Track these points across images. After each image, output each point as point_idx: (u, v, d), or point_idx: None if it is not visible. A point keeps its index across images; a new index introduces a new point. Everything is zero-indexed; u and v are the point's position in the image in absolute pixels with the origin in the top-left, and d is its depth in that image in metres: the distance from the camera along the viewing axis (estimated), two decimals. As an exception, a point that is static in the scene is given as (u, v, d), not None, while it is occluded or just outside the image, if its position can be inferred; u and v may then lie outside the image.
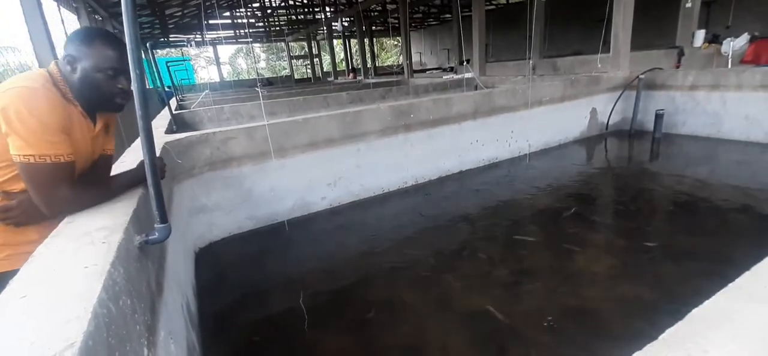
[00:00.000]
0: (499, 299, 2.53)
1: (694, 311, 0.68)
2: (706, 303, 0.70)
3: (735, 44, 6.22)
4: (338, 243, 3.65)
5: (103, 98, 1.48)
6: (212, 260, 3.48)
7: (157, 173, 1.33)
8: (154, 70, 5.80)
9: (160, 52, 24.86)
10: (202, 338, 2.40)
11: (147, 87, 1.39)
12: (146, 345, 1.25)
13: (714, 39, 7.39)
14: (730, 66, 6.08)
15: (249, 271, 3.29)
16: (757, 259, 0.87)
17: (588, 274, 2.71)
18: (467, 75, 8.68)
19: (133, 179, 1.72)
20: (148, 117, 1.26)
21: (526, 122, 5.66)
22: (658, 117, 5.95)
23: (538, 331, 2.20)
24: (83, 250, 1.15)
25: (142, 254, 1.47)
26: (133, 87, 1.19)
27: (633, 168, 5.08)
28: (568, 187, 4.48)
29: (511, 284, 2.69)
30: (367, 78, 16.64)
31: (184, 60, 21.15)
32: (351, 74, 20.52)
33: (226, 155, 3.73)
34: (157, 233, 1.40)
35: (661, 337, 0.63)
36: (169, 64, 13.00)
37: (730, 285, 0.74)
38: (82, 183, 1.44)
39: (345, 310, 2.62)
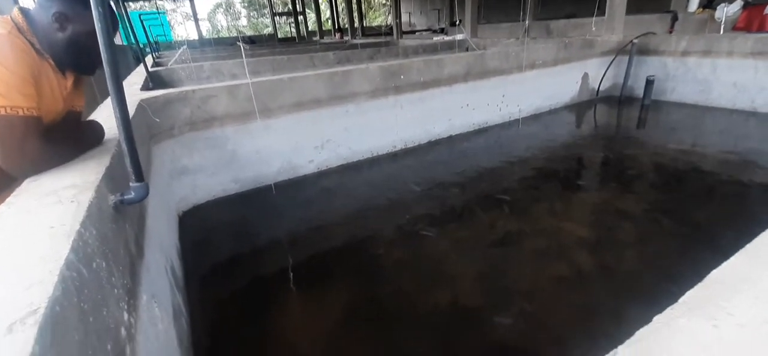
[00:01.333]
0: (486, 261, 2.55)
1: (713, 273, 0.65)
2: (724, 265, 0.67)
3: (728, 10, 6.15)
4: (327, 207, 3.59)
5: (87, 63, 1.41)
6: (197, 224, 3.39)
7: (131, 129, 1.21)
8: (127, 24, 5.41)
9: (132, 6, 23.32)
10: (188, 300, 2.36)
11: (118, 41, 1.26)
12: (126, 309, 1.18)
13: (708, 4, 7.30)
14: (722, 32, 6.04)
15: (235, 234, 3.22)
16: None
17: (572, 236, 2.75)
18: (459, 37, 8.43)
19: (88, 139, 1.61)
20: (116, 68, 1.13)
21: (518, 85, 5.57)
22: (649, 84, 5.93)
23: (520, 294, 2.23)
24: (49, 209, 1.04)
25: (119, 215, 1.38)
26: (99, 37, 1.06)
27: (620, 136, 5.11)
28: (556, 154, 4.48)
29: (497, 243, 2.71)
30: (354, 38, 16.09)
31: (158, 14, 19.91)
32: (337, 34, 19.80)
33: (208, 114, 3.55)
34: (133, 193, 1.29)
35: (681, 300, 0.59)
36: (142, 17, 12.21)
37: (747, 246, 0.71)
38: (50, 140, 1.32)
39: (333, 272, 2.60)
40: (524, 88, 5.66)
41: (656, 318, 0.55)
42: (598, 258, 2.49)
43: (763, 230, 0.77)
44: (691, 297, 0.60)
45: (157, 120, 3.22)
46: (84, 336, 0.81)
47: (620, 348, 0.54)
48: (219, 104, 3.56)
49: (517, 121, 5.63)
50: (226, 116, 3.63)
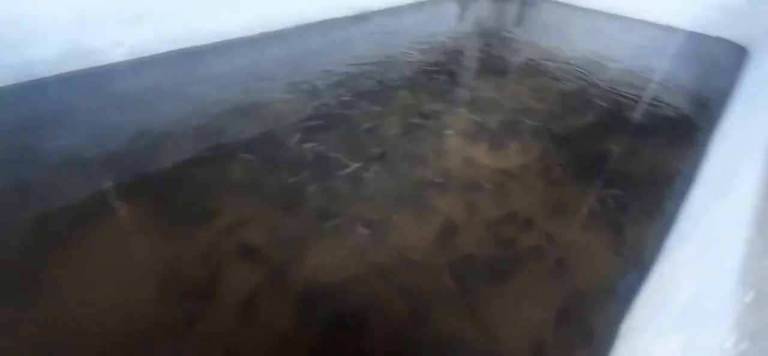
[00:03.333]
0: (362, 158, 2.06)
1: None
2: None
3: None
4: (147, 113, 2.52)
5: None
6: None
7: None
8: None
9: None
10: None
11: None
12: None
13: None
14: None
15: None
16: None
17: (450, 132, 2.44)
18: None
19: None
20: None
21: (403, -35, 4.80)
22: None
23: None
24: None
25: None
26: None
27: (498, 31, 4.96)
28: (438, 48, 4.06)
29: (374, 157, 2.23)
30: None
31: None
32: None
33: None
34: None
35: None
36: None
37: None
38: None
39: (161, 214, 1.79)
40: (410, -31, 4.92)
41: None
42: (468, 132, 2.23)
43: None
44: None
45: None
46: None
47: None
48: None
49: (401, 8, 4.97)
50: None
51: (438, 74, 3.36)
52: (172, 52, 3.19)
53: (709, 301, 0.72)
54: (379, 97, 2.89)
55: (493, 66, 3.74)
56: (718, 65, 4.24)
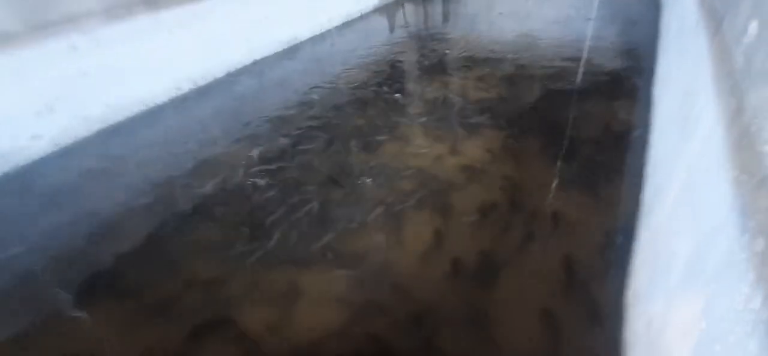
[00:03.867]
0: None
1: None
2: None
3: None
4: (87, 202, 2.26)
5: None
6: None
7: None
8: None
9: None
10: None
11: None
12: None
13: None
14: None
15: None
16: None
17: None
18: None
19: None
20: None
21: (324, -11, 4.78)
22: (445, -23, 6.02)
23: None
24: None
25: None
26: None
27: (429, 32, 5.08)
28: (375, 62, 4.06)
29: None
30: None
31: None
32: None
33: None
34: None
35: None
36: None
37: None
38: None
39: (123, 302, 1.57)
40: (331, -9, 4.91)
41: None
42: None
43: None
44: None
45: None
46: None
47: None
48: None
49: (329, 32, 4.92)
50: None
51: (381, 87, 3.34)
52: (98, 132, 2.91)
53: (714, 256, 0.70)
54: (328, 125, 2.81)
55: (433, 67, 3.79)
56: (636, 16, 4.58)
